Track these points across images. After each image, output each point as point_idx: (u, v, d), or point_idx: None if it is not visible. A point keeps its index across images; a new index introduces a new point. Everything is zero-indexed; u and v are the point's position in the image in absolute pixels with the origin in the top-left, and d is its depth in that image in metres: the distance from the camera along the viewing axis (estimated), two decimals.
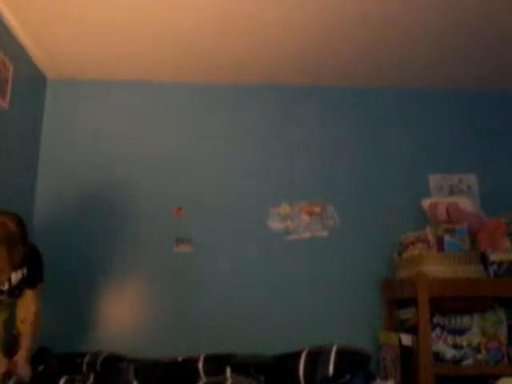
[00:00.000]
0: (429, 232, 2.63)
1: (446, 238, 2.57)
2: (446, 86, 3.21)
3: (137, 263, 2.92)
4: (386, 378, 2.59)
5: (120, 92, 3.16)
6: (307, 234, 2.99)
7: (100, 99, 3.15)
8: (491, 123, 3.24)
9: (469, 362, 2.42)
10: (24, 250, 2.05)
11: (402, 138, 3.19)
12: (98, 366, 2.45)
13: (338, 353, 2.19)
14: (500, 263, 2.49)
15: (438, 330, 2.45)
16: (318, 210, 3.03)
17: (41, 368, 2.38)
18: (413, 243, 2.71)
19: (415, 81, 3.17)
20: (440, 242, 2.58)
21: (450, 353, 2.43)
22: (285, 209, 3.01)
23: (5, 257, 1.97)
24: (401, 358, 2.47)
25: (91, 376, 2.33)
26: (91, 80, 3.14)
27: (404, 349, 2.47)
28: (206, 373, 2.28)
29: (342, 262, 2.96)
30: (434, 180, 3.10)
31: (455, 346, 2.43)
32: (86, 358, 2.49)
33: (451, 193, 3.06)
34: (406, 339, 2.47)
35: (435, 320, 2.45)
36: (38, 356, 2.45)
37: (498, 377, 2.23)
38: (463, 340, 2.44)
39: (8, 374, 2.06)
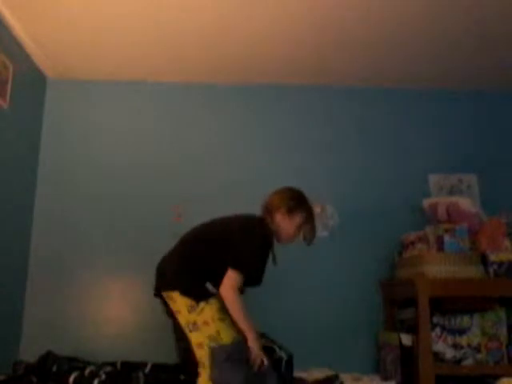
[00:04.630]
0: (429, 232, 2.63)
1: (446, 238, 2.57)
2: (446, 86, 3.22)
3: (137, 263, 2.91)
4: (386, 378, 2.59)
5: (120, 92, 3.16)
6: None
7: (100, 99, 3.15)
8: (491, 123, 3.24)
9: (469, 362, 2.42)
10: None
11: (402, 137, 3.19)
12: (104, 376, 2.44)
13: None
14: (500, 263, 2.48)
15: (437, 330, 2.44)
16: (318, 209, 3.02)
17: (54, 368, 2.37)
18: (413, 243, 2.71)
19: (415, 81, 3.17)
20: (440, 242, 2.57)
21: (450, 353, 2.43)
22: None
23: None
24: (401, 357, 2.47)
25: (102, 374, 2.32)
26: (91, 80, 3.14)
27: (404, 349, 2.47)
28: None
29: (342, 261, 2.96)
30: (433, 180, 3.10)
31: (455, 346, 2.43)
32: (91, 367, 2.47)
33: (451, 193, 3.06)
34: (406, 339, 2.47)
35: (435, 320, 2.45)
36: (48, 358, 2.44)
37: (497, 377, 2.24)
38: (463, 340, 2.44)
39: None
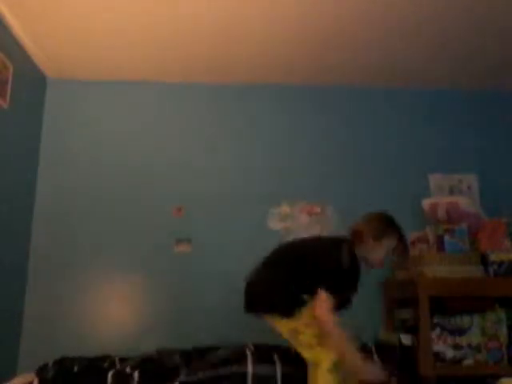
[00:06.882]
0: (429, 232, 2.63)
1: (446, 237, 2.57)
2: (446, 85, 3.22)
3: (137, 263, 2.92)
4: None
5: (120, 92, 3.17)
6: (307, 234, 2.98)
7: (100, 99, 3.16)
8: (491, 123, 3.24)
9: (469, 361, 2.42)
10: None
11: (402, 137, 3.20)
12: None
13: None
14: (500, 263, 2.48)
15: (437, 330, 2.44)
16: (317, 210, 3.03)
17: (76, 369, 2.35)
18: (413, 243, 2.71)
19: (415, 81, 3.17)
20: (440, 242, 2.58)
21: (450, 353, 2.42)
22: (285, 209, 3.01)
23: None
24: (401, 358, 2.47)
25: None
26: (91, 80, 3.14)
27: (404, 349, 2.47)
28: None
29: None
30: (434, 180, 3.10)
31: (455, 346, 2.43)
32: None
33: (451, 193, 3.06)
34: (406, 339, 2.47)
35: (435, 320, 2.45)
36: (64, 362, 2.43)
37: (498, 377, 2.24)
38: (463, 340, 2.44)
39: None
